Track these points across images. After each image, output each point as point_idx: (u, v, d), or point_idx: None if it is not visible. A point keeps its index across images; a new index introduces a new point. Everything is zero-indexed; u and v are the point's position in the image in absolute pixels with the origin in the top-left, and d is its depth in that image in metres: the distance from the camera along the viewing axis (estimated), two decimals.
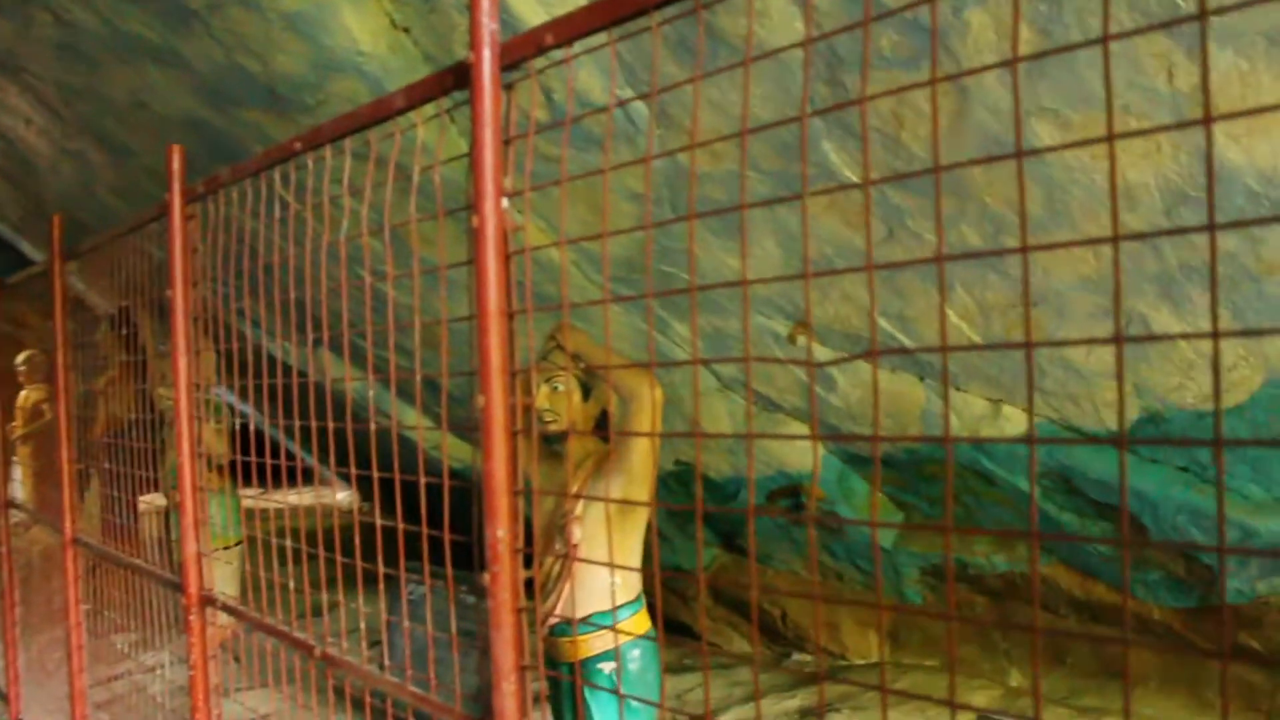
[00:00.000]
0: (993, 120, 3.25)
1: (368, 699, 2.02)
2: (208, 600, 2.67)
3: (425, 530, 1.77)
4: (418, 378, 1.73)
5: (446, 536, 1.70)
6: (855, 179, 3.76)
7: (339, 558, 2.10)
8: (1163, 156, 3.11)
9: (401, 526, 1.85)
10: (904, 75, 3.27)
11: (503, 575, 1.51)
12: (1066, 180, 3.31)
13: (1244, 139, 2.97)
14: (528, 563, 1.51)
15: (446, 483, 1.69)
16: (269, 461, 2.58)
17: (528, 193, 1.58)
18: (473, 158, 1.61)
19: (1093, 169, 3.25)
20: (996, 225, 3.64)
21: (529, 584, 3.95)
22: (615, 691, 3.20)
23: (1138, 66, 2.96)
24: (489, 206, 1.58)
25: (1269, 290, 3.33)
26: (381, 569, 1.99)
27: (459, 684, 1.76)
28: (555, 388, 3.32)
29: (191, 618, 2.67)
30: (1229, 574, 4.22)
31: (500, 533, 1.50)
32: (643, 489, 3.18)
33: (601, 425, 3.44)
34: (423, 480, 1.74)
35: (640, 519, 3.29)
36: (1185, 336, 0.76)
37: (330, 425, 2.12)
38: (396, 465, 1.86)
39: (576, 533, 3.27)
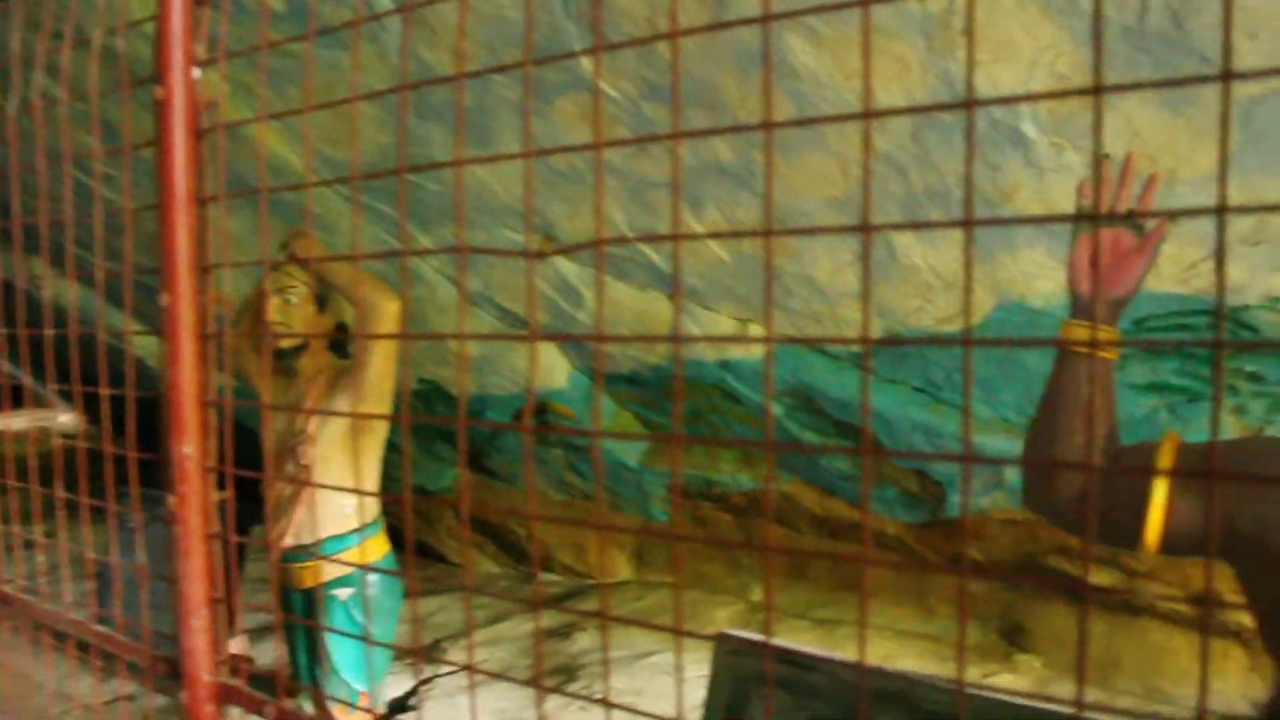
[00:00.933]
0: (746, 30, 3.18)
1: (46, 640, 1.78)
2: None
3: (109, 448, 1.55)
4: (99, 273, 1.49)
5: (131, 454, 1.49)
6: (608, 86, 3.63)
7: (35, 487, 1.84)
8: (912, 78, 3.12)
9: (82, 445, 1.62)
10: None
11: (191, 497, 1.32)
12: (817, 97, 3.28)
13: (988, 65, 3.00)
14: (222, 483, 1.32)
15: (131, 393, 1.47)
16: None
17: (222, 59, 1.36)
18: (160, 18, 1.38)
19: (844, 87, 3.23)
20: (749, 139, 3.60)
21: (257, 508, 3.70)
22: (358, 633, 3.04)
23: None
24: (177, 75, 1.36)
25: (1004, 212, 3.42)
26: (86, 499, 1.74)
27: (148, 620, 1.56)
28: (287, 299, 3.09)
29: None
30: (955, 489, 4.41)
31: (188, 449, 1.31)
32: (381, 406, 3.00)
33: (339, 342, 3.24)
34: (105, 391, 1.51)
35: (378, 438, 3.11)
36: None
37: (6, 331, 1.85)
38: (76, 372, 1.62)
39: (308, 453, 3.06)
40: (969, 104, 0.66)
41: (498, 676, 0.91)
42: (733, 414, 4.79)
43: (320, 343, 3.18)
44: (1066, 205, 3.30)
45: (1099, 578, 4.20)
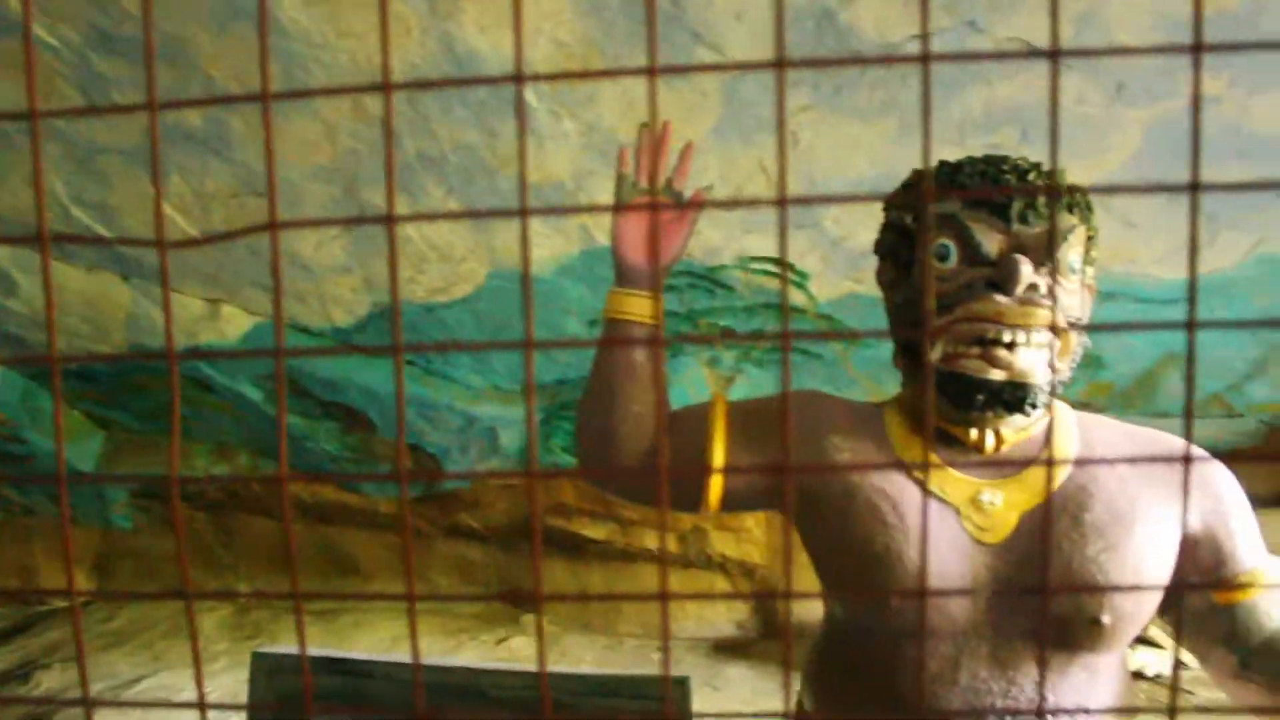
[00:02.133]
0: None
1: None
2: None
3: None
4: None
5: None
6: (44, 32, 3.10)
7: None
8: (411, 41, 2.97)
9: None
10: None
11: None
12: (308, 58, 3.03)
13: (491, 30, 2.94)
14: None
15: None
16: None
17: None
18: None
19: (337, 47, 3.00)
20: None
21: None
22: None
23: None
24: None
25: (501, 184, 3.39)
26: None
27: None
28: None
29: None
30: (450, 460, 4.36)
31: None
32: None
33: None
34: None
35: None
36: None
37: None
38: None
39: None
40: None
41: None
42: (206, 404, 4.37)
43: None
44: (564, 174, 3.34)
45: (595, 531, 4.37)
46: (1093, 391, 3.68)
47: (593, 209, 0.56)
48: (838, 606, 1.44)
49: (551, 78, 0.51)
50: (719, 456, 1.43)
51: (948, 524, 1.34)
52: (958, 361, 1.29)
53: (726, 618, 4.32)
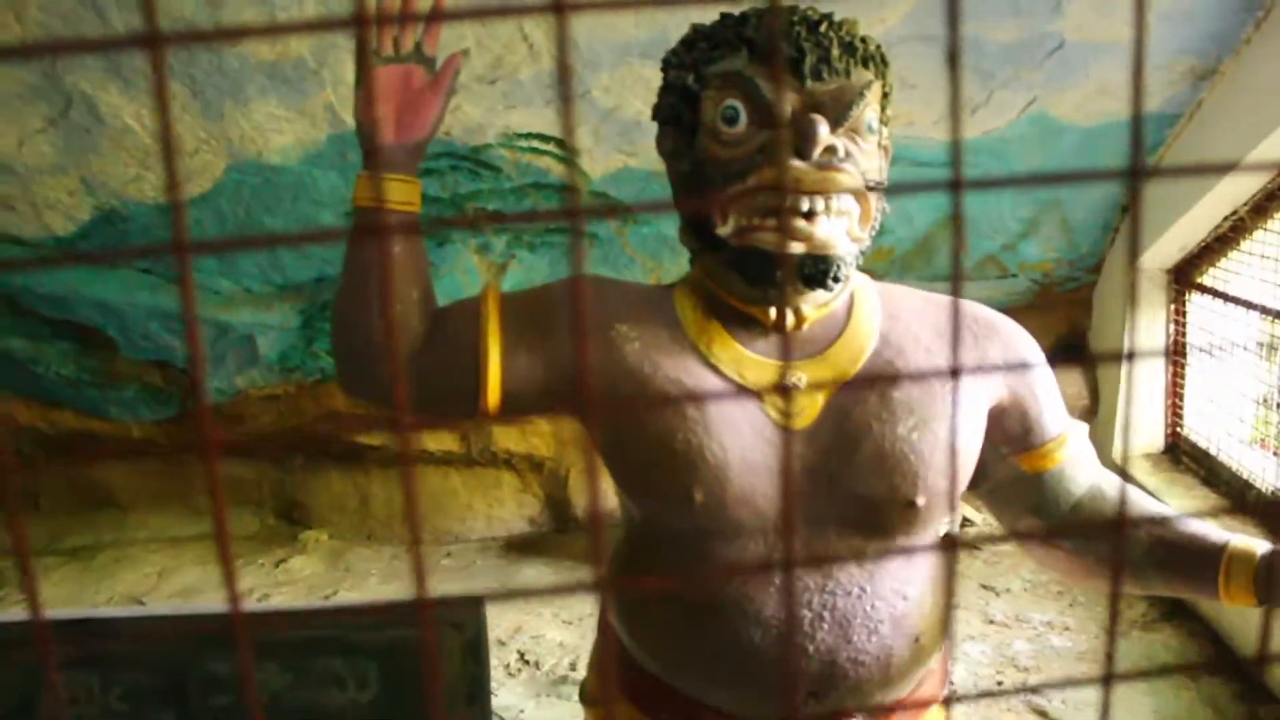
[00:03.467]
0: None
1: None
2: None
3: None
4: None
5: None
6: None
7: None
8: None
9: None
10: None
11: None
12: None
13: None
14: None
15: None
16: None
17: None
18: None
19: None
20: None
21: None
22: None
23: None
24: None
25: (229, 64, 3.02)
26: None
27: None
28: None
29: None
30: (205, 374, 4.00)
31: None
32: None
33: None
34: None
35: None
36: None
37: None
38: None
39: None
40: None
41: None
42: None
43: None
44: (303, 49, 3.01)
45: (371, 438, 4.12)
46: (872, 259, 3.65)
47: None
48: (636, 509, 1.31)
49: None
50: (494, 356, 1.27)
51: (749, 411, 1.22)
52: (752, 235, 1.17)
53: (517, 514, 4.17)
